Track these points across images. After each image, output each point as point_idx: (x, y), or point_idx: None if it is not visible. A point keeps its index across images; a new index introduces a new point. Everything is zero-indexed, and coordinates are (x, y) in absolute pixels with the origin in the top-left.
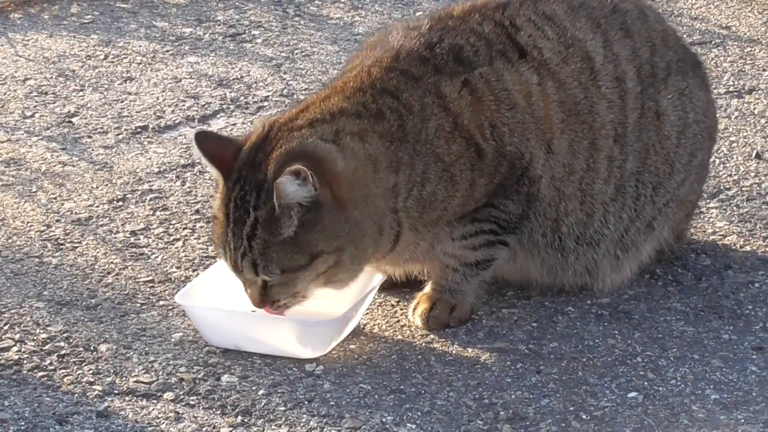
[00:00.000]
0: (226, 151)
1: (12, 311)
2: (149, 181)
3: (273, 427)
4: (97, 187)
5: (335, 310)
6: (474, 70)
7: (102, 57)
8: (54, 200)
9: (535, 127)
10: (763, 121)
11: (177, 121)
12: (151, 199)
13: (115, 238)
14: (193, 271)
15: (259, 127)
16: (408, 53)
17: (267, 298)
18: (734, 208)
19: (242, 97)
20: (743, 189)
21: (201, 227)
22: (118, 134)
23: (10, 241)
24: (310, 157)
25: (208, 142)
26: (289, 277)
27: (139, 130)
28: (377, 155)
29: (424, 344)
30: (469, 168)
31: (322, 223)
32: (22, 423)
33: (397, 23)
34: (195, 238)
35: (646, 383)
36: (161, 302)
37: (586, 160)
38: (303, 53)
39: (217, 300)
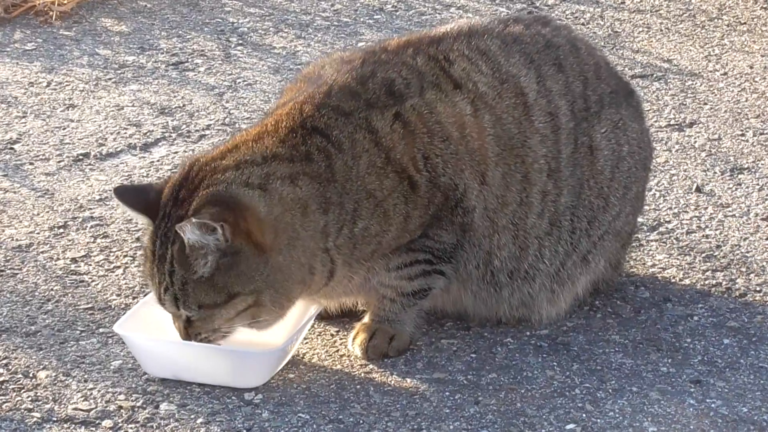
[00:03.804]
0: (147, 197)
1: None
2: (90, 209)
3: None
4: (38, 214)
5: (273, 339)
6: (405, 102)
7: (45, 84)
8: None
9: (469, 158)
10: (703, 154)
11: (119, 149)
12: (92, 227)
13: (55, 265)
14: (133, 298)
15: (182, 165)
16: (340, 88)
17: (190, 331)
18: (674, 241)
19: (184, 126)
20: (683, 222)
21: (142, 255)
22: (59, 161)
23: None
24: (229, 204)
25: (127, 195)
26: (207, 313)
27: (80, 157)
28: (307, 198)
29: (363, 374)
30: (403, 201)
31: (238, 268)
32: None
33: (333, 56)
34: (135, 266)
35: (584, 415)
36: (101, 330)
37: (519, 193)
38: (245, 82)
39: (156, 329)
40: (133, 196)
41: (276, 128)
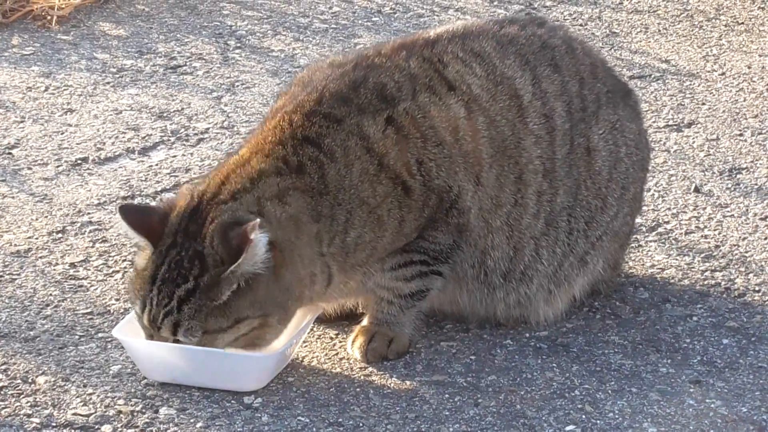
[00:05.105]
0: (151, 219)
1: None
2: (89, 213)
3: None
4: (37, 219)
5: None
6: (397, 106)
7: (42, 89)
8: None
9: (463, 161)
10: (702, 154)
11: (117, 153)
12: (90, 231)
13: (54, 270)
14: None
15: (187, 196)
16: (331, 95)
17: None
18: (673, 241)
19: (182, 129)
20: (682, 222)
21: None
22: (58, 166)
23: None
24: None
25: (132, 214)
26: (208, 339)
27: (79, 161)
28: (298, 213)
29: (362, 377)
30: (397, 206)
31: (255, 293)
32: None
33: (327, 60)
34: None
35: (584, 416)
36: (100, 334)
37: (513, 194)
38: (244, 85)
39: None
40: (137, 216)
41: (263, 143)
